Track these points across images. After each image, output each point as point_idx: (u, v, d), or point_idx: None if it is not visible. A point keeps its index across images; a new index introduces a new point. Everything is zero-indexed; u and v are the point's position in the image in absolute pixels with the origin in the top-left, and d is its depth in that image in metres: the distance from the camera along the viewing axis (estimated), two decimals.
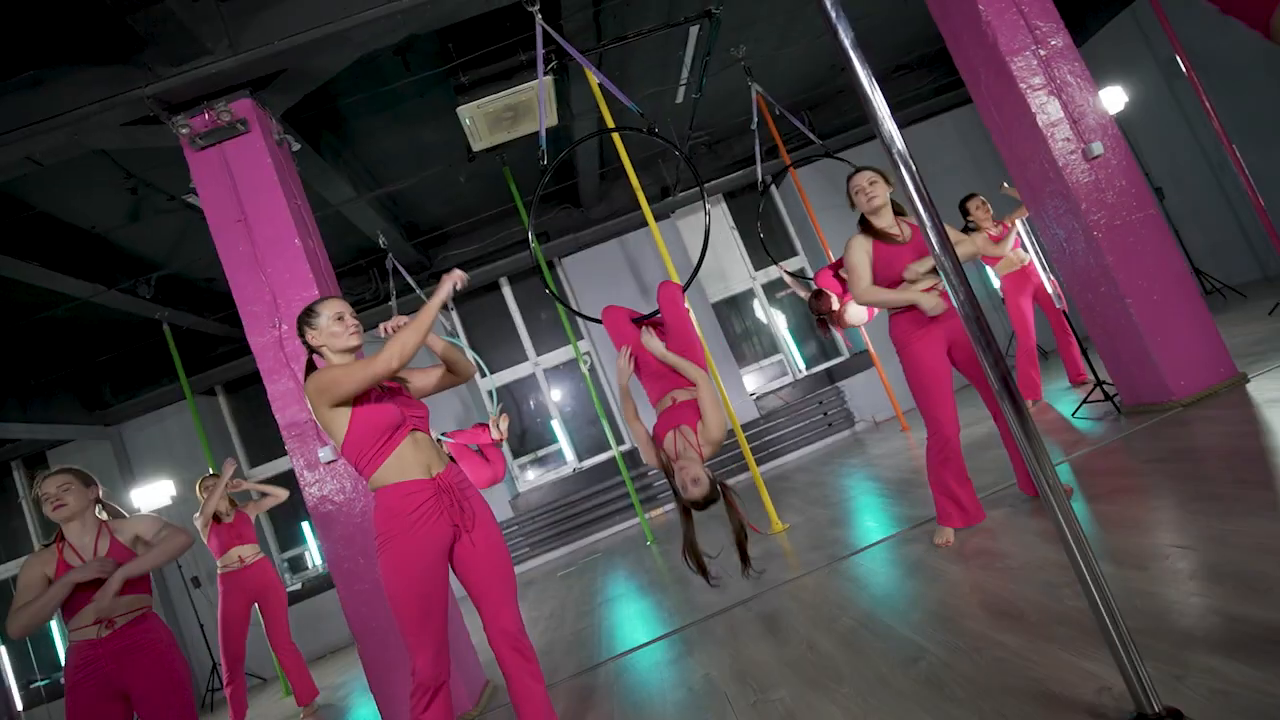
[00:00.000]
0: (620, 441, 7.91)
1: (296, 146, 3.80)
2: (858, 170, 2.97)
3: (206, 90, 3.44)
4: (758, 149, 5.74)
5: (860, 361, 7.98)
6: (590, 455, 8.07)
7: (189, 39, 3.31)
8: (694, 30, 5.20)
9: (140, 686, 2.40)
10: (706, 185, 8.00)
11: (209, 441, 6.71)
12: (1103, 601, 1.37)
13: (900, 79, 8.00)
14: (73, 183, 4.53)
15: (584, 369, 6.15)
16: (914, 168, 1.46)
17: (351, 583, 3.22)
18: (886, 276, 2.92)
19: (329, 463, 3.29)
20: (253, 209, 3.44)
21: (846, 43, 1.49)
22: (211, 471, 5.26)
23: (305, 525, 7.95)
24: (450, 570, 2.05)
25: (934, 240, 1.47)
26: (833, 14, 1.50)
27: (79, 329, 6.56)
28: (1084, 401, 4.29)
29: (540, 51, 3.84)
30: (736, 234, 8.53)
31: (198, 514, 4.37)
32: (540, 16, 3.80)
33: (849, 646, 2.29)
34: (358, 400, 1.94)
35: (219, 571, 4.43)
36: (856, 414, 7.80)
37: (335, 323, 2.03)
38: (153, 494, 6.57)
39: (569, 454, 8.07)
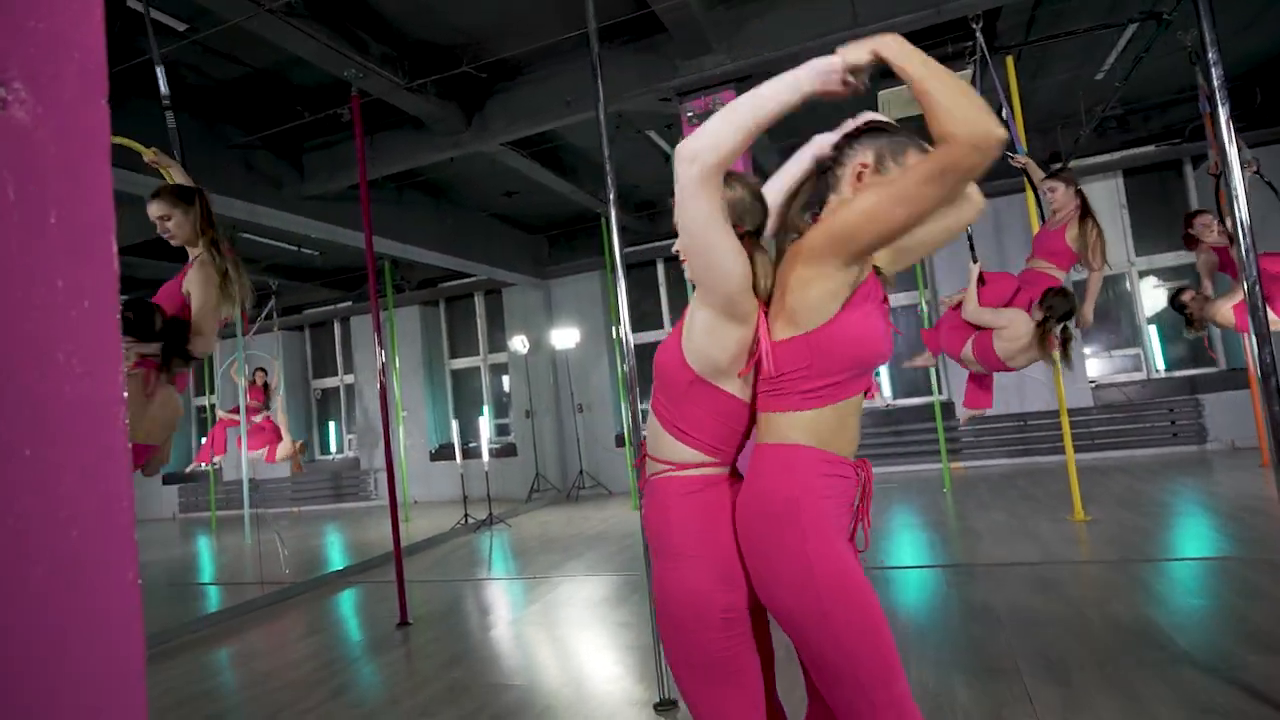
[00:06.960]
0: (940, 391, 8.43)
1: None
2: None
3: (705, 83, 4.68)
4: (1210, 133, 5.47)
5: (1235, 379, 7.32)
6: (907, 396, 8.75)
7: (700, 38, 4.52)
8: (1132, 25, 5.15)
9: None
10: (1107, 157, 7.70)
11: (616, 307, 8.76)
12: None
13: None
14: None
15: (924, 313, 6.77)
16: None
17: None
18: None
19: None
20: None
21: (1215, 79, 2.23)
22: None
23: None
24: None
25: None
26: (1211, 55, 2.25)
27: (539, 211, 8.89)
28: None
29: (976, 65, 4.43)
30: (1126, 212, 8.04)
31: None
32: (980, 33, 4.33)
33: (1115, 629, 2.99)
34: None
35: None
36: (1211, 432, 7.30)
37: None
38: (565, 336, 9.03)
39: (886, 389, 8.82)
